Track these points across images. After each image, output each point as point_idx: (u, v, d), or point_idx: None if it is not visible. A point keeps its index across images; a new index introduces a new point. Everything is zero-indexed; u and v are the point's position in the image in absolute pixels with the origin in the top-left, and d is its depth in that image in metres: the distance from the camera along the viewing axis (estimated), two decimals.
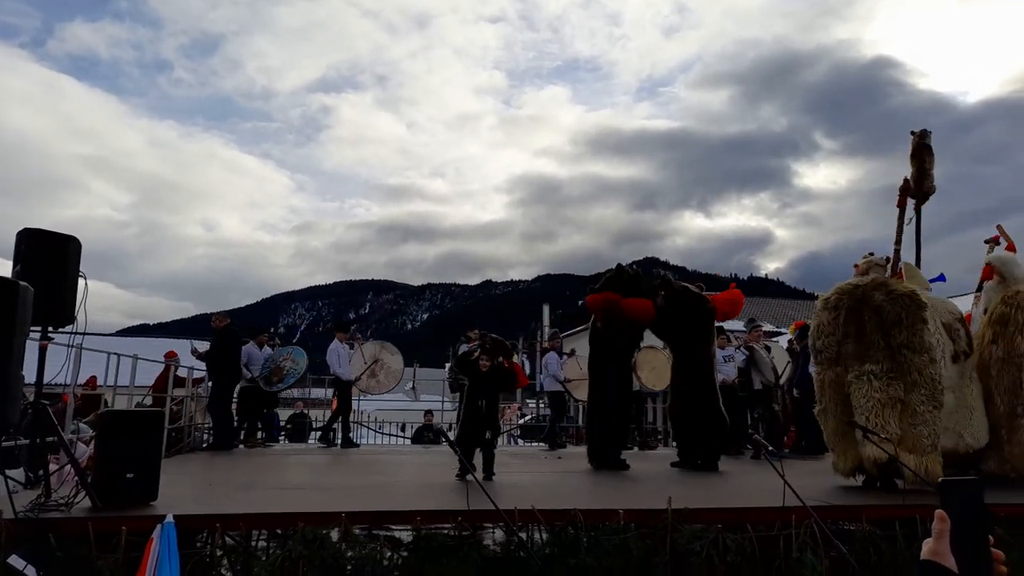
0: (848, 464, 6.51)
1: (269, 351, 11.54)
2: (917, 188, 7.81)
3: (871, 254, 7.20)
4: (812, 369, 9.98)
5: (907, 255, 7.77)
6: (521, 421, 19.76)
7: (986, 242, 8.08)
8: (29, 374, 4.82)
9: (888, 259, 7.13)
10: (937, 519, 1.04)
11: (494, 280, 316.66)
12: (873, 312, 6.52)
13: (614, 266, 9.20)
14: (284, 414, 19.75)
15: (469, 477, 5.46)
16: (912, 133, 8.05)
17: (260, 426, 11.80)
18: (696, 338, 8.91)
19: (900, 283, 6.77)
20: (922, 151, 7.86)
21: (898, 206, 7.33)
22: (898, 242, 7.23)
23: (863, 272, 7.00)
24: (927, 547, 1.04)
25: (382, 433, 15.55)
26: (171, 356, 11.05)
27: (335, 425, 11.61)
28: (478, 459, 7.23)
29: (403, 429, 17.67)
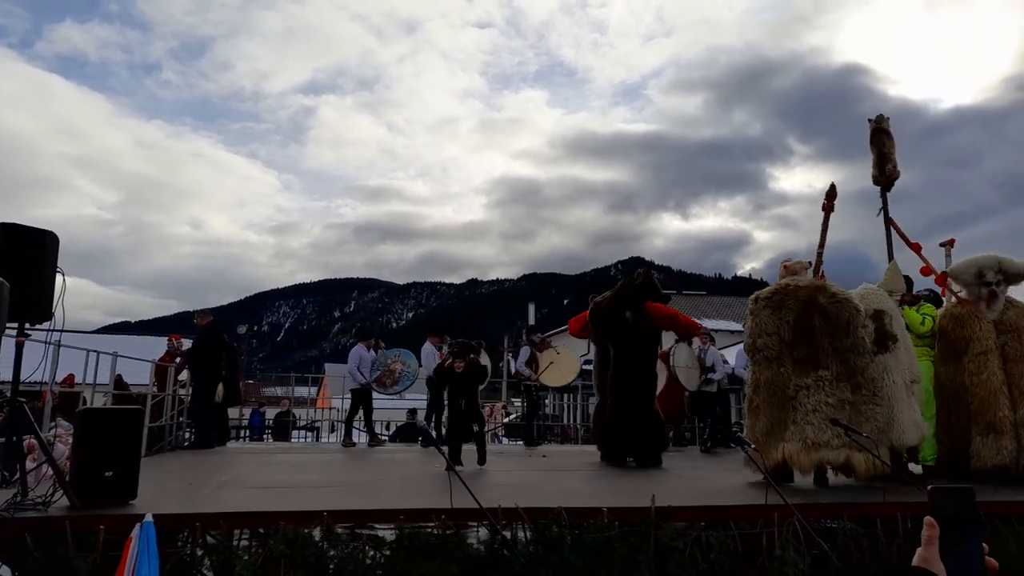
0: (768, 462, 6.24)
1: (374, 354, 11.61)
2: (879, 173, 7.85)
3: (790, 260, 7.14)
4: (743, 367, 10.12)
5: (879, 243, 7.83)
6: (506, 420, 19.73)
7: (941, 245, 8.11)
8: (5, 371, 4.75)
9: (811, 263, 7.12)
10: (926, 526, 1.02)
11: (478, 279, 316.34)
12: (820, 315, 6.51)
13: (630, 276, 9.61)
14: (271, 412, 19.65)
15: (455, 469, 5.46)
16: (869, 120, 8.11)
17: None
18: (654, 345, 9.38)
19: (837, 287, 6.75)
20: (880, 135, 7.91)
21: (823, 210, 7.33)
22: (821, 246, 7.24)
23: (792, 273, 6.96)
24: (917, 554, 1.02)
25: (362, 431, 15.49)
26: (176, 339, 11.10)
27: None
28: (466, 455, 7.86)
29: (388, 427, 17.62)
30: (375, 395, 11.70)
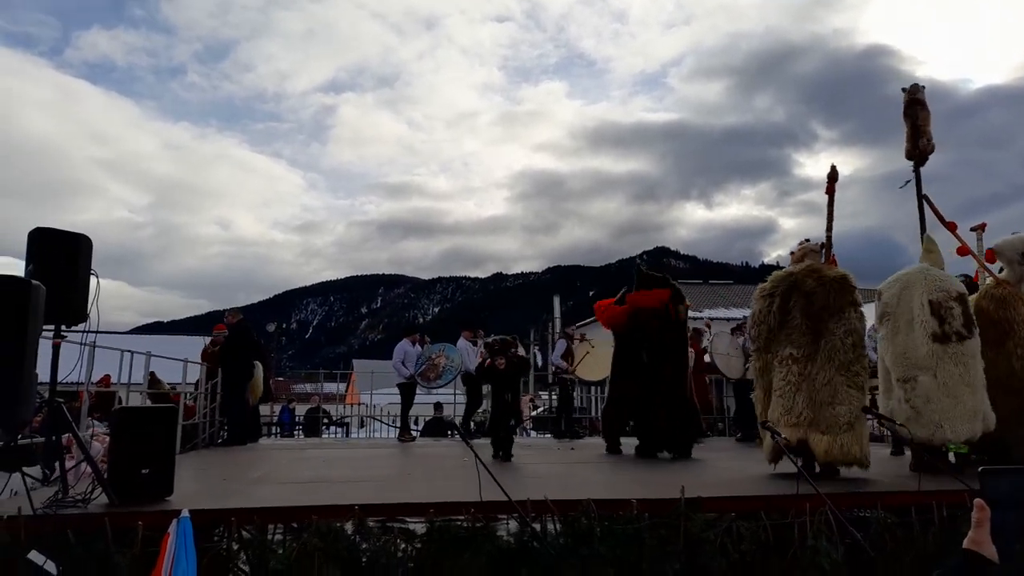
0: (772, 450, 6.47)
1: (419, 349, 11.81)
2: (913, 147, 7.63)
3: (807, 240, 7.14)
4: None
5: (906, 227, 7.63)
6: (534, 413, 19.74)
7: (972, 230, 7.89)
8: (43, 372, 4.86)
9: (822, 245, 7.07)
10: (976, 508, 1.01)
11: (503, 273, 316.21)
12: (803, 297, 6.55)
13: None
14: (300, 409, 19.91)
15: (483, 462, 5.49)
16: (903, 90, 7.81)
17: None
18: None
19: (832, 268, 6.76)
20: (915, 106, 7.63)
21: (827, 192, 7.22)
22: (829, 228, 7.14)
23: (799, 259, 6.98)
24: (968, 536, 1.01)
25: (394, 427, 15.62)
26: (219, 329, 11.30)
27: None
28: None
29: (416, 422, 17.73)
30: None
